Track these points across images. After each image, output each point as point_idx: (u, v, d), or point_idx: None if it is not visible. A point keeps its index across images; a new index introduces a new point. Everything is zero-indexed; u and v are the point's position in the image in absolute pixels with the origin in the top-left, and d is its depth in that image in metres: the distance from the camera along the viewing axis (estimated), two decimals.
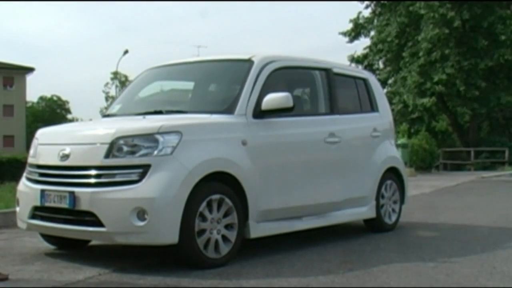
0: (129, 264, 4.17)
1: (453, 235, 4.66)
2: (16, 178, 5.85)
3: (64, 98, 72.50)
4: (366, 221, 5.85)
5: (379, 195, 5.73)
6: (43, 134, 4.65)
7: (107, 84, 49.36)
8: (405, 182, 6.14)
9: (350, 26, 26.55)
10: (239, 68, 4.80)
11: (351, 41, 26.68)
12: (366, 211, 5.59)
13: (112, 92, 50.48)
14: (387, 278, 3.81)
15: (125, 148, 3.96)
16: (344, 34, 26.56)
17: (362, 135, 5.69)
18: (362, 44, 32.68)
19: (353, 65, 24.71)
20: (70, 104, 73.04)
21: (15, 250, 4.79)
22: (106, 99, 44.02)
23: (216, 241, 4.09)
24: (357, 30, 26.51)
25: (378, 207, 5.72)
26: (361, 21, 26.56)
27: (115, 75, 53.80)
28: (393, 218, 5.97)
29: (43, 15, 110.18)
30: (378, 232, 5.74)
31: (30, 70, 50.07)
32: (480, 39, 22.22)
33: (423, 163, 20.78)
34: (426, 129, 24.91)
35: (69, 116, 69.93)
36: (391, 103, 19.74)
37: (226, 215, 4.17)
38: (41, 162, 4.39)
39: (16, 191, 4.72)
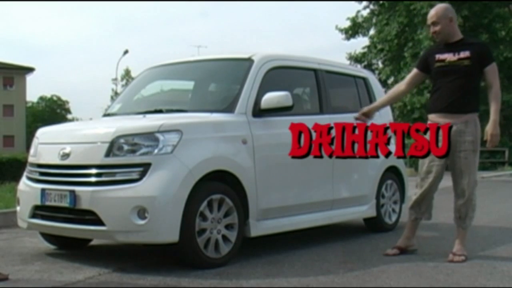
0: (129, 264, 4.17)
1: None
2: (16, 178, 5.86)
3: (64, 98, 72.68)
4: (366, 221, 5.86)
5: (379, 194, 5.74)
6: (44, 133, 4.65)
7: (115, 79, 49.12)
8: (405, 181, 6.15)
9: (348, 23, 26.58)
10: (239, 67, 4.81)
11: (348, 38, 26.68)
12: (367, 210, 5.59)
13: (119, 89, 50.10)
14: (387, 278, 3.80)
15: (126, 147, 3.96)
16: (341, 30, 26.55)
17: None
18: (359, 42, 32.77)
19: (353, 64, 24.73)
20: (70, 104, 73.23)
21: (15, 250, 4.78)
22: (112, 97, 43.83)
23: (216, 241, 4.08)
24: (355, 29, 26.49)
25: (379, 206, 5.73)
26: (359, 19, 26.55)
27: (127, 73, 53.32)
28: (393, 218, 5.98)
29: (43, 15, 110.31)
30: (378, 232, 5.74)
31: (30, 70, 50.08)
32: (480, 38, 22.25)
33: None
34: None
35: (69, 116, 70.01)
36: None
37: (226, 215, 4.17)
38: (42, 161, 4.39)
39: (16, 191, 4.72)
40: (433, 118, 4.49)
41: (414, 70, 4.68)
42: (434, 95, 4.53)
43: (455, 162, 4.45)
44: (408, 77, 4.71)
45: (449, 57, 4.43)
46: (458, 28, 4.51)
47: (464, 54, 4.38)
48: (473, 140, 4.41)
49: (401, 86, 4.74)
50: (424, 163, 4.52)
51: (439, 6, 4.50)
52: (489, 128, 4.37)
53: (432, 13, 4.47)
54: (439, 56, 4.48)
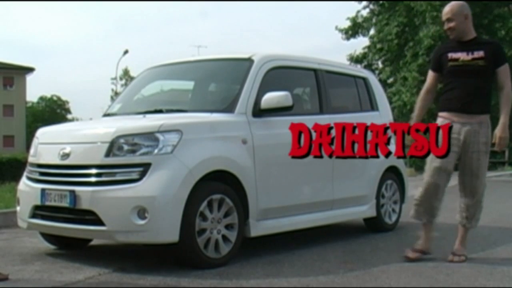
0: (129, 264, 4.17)
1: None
2: (16, 178, 5.86)
3: (64, 98, 72.66)
4: (366, 221, 5.86)
5: (379, 194, 5.74)
6: (44, 133, 4.65)
7: (114, 78, 49.01)
8: (405, 181, 6.15)
9: (348, 23, 26.57)
10: (239, 67, 4.81)
11: (348, 38, 26.67)
12: (367, 210, 5.60)
13: (118, 89, 50.06)
14: (387, 278, 3.80)
15: (126, 147, 3.96)
16: (341, 30, 26.55)
17: None
18: (359, 42, 32.77)
19: (353, 64, 24.73)
20: (70, 104, 73.22)
21: (15, 250, 4.78)
22: (112, 98, 43.84)
23: (216, 241, 4.08)
24: (355, 29, 26.48)
25: (378, 206, 5.73)
26: (359, 20, 26.54)
27: (126, 73, 53.22)
28: (393, 218, 5.98)
29: (43, 15, 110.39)
30: (378, 232, 5.74)
31: (30, 70, 50.07)
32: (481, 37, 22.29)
33: (423, 163, 20.76)
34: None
35: (69, 116, 69.99)
36: (391, 102, 19.75)
37: (226, 215, 4.16)
38: (42, 161, 4.39)
39: (16, 191, 4.73)
40: (446, 116, 4.42)
41: (431, 74, 4.59)
42: (446, 94, 4.45)
43: (466, 163, 4.40)
44: (428, 83, 4.61)
45: (462, 56, 4.37)
46: (472, 26, 4.46)
47: (478, 54, 4.33)
48: (486, 141, 4.38)
49: (427, 94, 4.62)
50: (435, 160, 4.39)
51: (455, 3, 4.45)
52: (498, 130, 4.33)
53: (447, 9, 4.43)
54: (452, 55, 4.41)
